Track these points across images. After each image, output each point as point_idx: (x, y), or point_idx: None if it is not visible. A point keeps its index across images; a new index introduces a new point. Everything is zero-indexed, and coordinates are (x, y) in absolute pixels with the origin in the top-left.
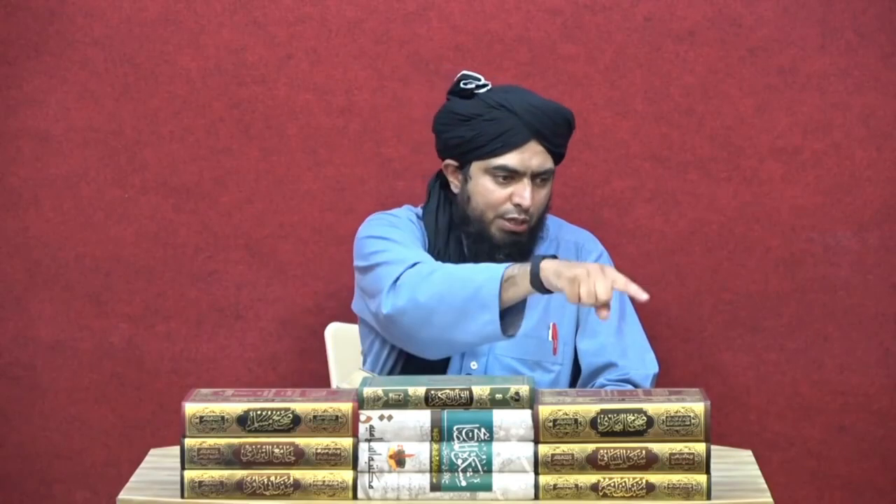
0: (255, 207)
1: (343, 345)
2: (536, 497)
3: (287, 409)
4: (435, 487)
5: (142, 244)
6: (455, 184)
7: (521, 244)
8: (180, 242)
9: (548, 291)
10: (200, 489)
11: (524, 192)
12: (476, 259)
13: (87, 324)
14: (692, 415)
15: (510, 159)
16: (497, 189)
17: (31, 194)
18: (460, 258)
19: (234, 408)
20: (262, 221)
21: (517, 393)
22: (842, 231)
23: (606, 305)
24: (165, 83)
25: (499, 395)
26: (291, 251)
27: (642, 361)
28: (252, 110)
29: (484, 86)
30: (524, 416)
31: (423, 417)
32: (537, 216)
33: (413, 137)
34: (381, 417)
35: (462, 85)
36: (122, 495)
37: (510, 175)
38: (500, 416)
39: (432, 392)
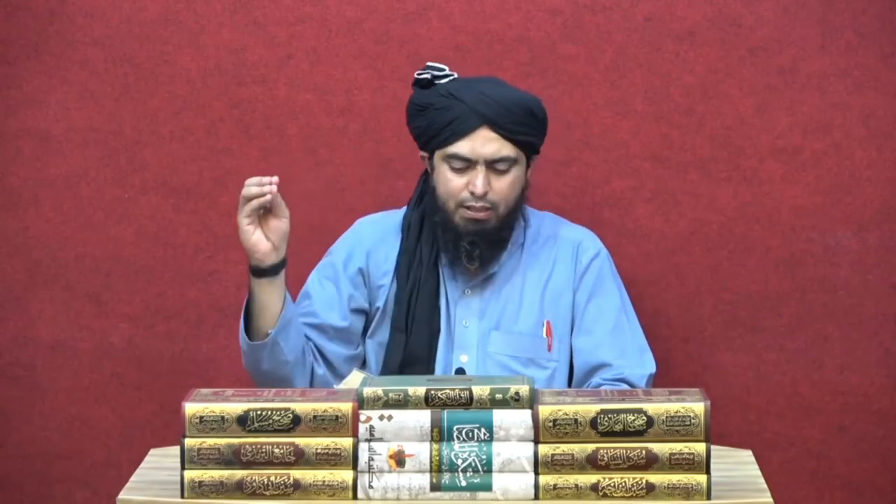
0: None
1: None
2: (536, 497)
3: (287, 409)
4: (435, 487)
5: (142, 244)
6: (430, 173)
7: (486, 232)
8: (180, 242)
9: (264, 272)
10: (200, 489)
11: (476, 180)
12: (444, 248)
13: (87, 324)
14: (692, 415)
15: (461, 147)
16: (454, 178)
17: (31, 194)
18: (433, 249)
19: (234, 408)
20: None
21: (517, 393)
22: (842, 231)
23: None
24: (165, 83)
25: (499, 395)
26: (291, 251)
27: (640, 361)
28: (252, 110)
29: (448, 76)
30: (524, 416)
31: (423, 417)
32: (505, 204)
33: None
34: (381, 417)
35: (417, 75)
36: (122, 495)
37: (465, 163)
38: (500, 416)
39: (432, 392)
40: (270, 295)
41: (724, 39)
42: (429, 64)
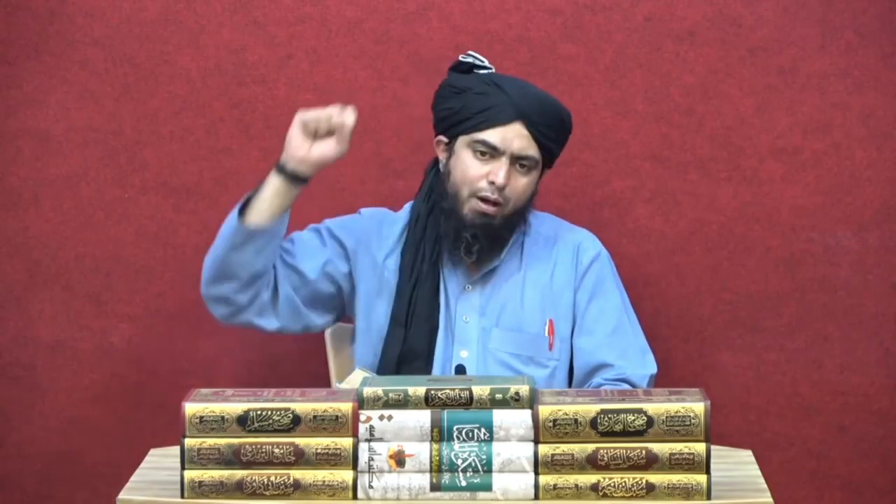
0: None
1: (343, 345)
2: (536, 497)
3: (287, 409)
4: (435, 487)
5: (142, 244)
6: (442, 160)
7: (491, 227)
8: (180, 242)
9: (292, 175)
10: (200, 489)
11: (499, 171)
12: (445, 235)
13: (87, 324)
14: (692, 415)
15: (492, 135)
16: (476, 164)
17: (31, 194)
18: (435, 244)
19: (234, 408)
20: None
21: (517, 393)
22: (842, 231)
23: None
24: (165, 83)
25: (499, 395)
26: None
27: (641, 362)
28: (252, 110)
29: (487, 69)
30: (524, 416)
31: (423, 417)
32: (514, 204)
33: (413, 137)
34: (381, 417)
35: (461, 58)
36: (122, 495)
37: (490, 153)
38: (500, 416)
39: (432, 392)
40: (279, 198)
41: (724, 39)
42: (471, 52)
